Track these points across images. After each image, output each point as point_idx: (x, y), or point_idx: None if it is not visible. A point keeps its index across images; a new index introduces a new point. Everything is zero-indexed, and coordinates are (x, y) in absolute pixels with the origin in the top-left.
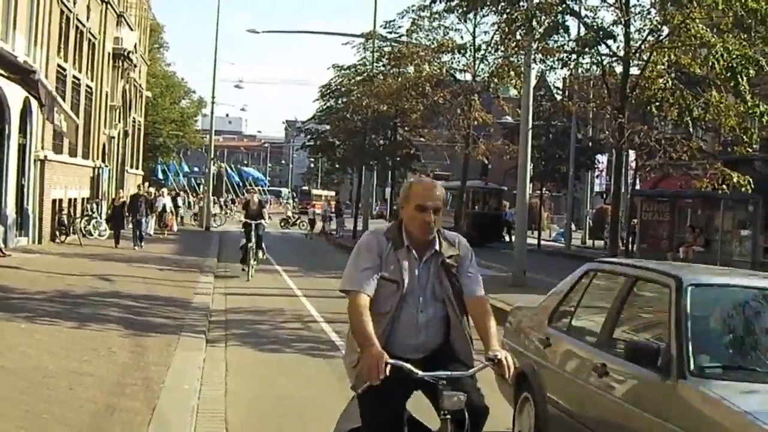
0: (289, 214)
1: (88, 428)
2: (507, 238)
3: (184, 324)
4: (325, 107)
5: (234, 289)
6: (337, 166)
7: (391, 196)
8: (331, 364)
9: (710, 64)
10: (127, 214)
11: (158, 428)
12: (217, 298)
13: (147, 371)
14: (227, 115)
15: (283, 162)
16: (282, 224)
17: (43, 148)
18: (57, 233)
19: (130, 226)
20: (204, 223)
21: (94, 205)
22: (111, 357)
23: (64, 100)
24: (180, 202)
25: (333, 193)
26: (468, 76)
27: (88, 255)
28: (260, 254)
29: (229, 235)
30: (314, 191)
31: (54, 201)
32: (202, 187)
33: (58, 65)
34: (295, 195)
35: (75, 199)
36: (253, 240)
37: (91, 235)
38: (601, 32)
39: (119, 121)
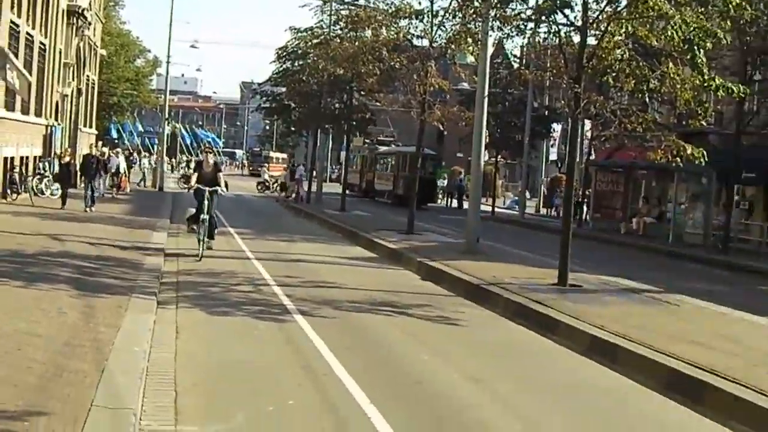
0: (266, 177)
1: (35, 389)
2: (458, 204)
3: (135, 285)
4: (281, 70)
5: (186, 251)
6: (292, 128)
7: (346, 159)
8: (282, 327)
9: (668, 36)
10: (78, 174)
11: (106, 390)
12: (168, 259)
13: (96, 332)
14: (182, 75)
15: (238, 124)
16: (259, 188)
17: None
18: (8, 191)
19: (82, 185)
20: (157, 183)
21: (46, 164)
22: (60, 318)
23: (16, 57)
24: (135, 162)
25: (284, 156)
26: (425, 42)
27: (39, 214)
28: (211, 235)
29: (183, 196)
30: (271, 153)
31: (5, 159)
32: (156, 147)
33: (11, 21)
34: (248, 157)
35: (27, 158)
36: (205, 211)
37: (43, 193)
38: (558, 1)
39: (73, 79)
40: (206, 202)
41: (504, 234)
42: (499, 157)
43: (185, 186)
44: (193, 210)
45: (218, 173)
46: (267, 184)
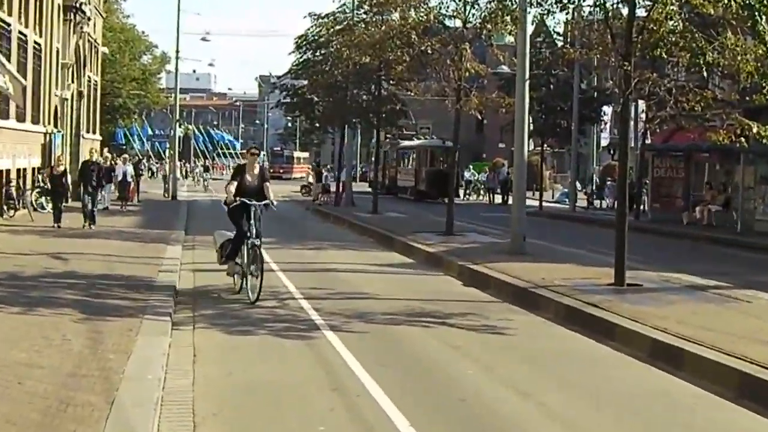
0: (310, 180)
1: (37, 427)
2: (502, 200)
3: (147, 306)
4: (301, 61)
5: (203, 265)
6: (316, 124)
7: (377, 156)
8: (310, 345)
9: (725, 2)
10: (78, 184)
11: (117, 424)
12: (184, 275)
13: (105, 360)
14: (194, 71)
15: (257, 122)
16: (303, 192)
17: None
18: (5, 208)
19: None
20: (170, 191)
21: (45, 176)
22: (64, 345)
23: (9, 59)
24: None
25: (305, 155)
26: (458, 23)
27: (39, 231)
28: (261, 270)
29: (198, 204)
30: (295, 153)
31: (0, 172)
32: (167, 152)
33: (1, 20)
34: (269, 158)
35: (24, 170)
36: (252, 232)
37: (44, 209)
38: None
39: (72, 81)
40: (252, 219)
41: (553, 230)
42: (545, 145)
43: (227, 204)
44: (229, 235)
45: (265, 182)
46: (310, 187)
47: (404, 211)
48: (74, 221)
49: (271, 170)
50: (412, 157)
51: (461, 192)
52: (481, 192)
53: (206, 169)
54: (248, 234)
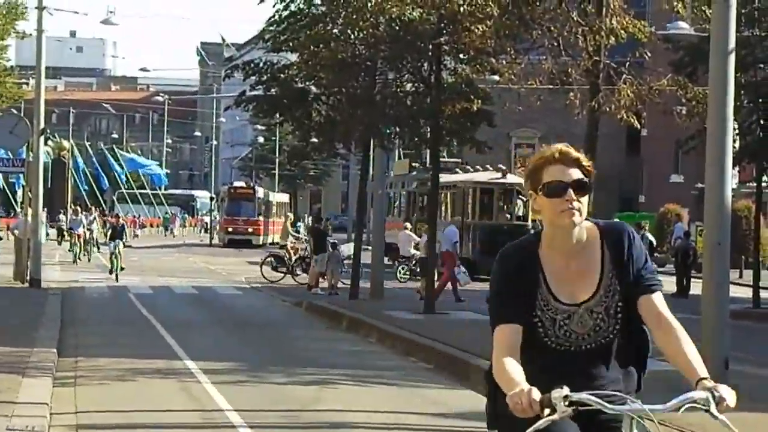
0: (290, 241)
1: None
2: (679, 284)
3: None
4: (283, 16)
5: (92, 416)
6: (313, 139)
7: (433, 196)
8: None
9: None
10: None
11: None
12: None
13: None
14: (73, 35)
15: (196, 134)
16: (269, 265)
17: None
18: None
19: None
20: (27, 271)
21: None
22: None
23: None
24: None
25: (284, 198)
26: None
27: None
28: None
29: (85, 297)
30: (272, 195)
31: None
32: (21, 192)
33: None
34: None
35: None
36: None
37: None
38: None
39: None
40: None
41: None
42: (766, 179)
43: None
44: None
45: None
46: (284, 259)
47: (484, 309)
48: None
49: (229, 225)
50: (449, 201)
51: None
52: None
53: (114, 230)
54: None
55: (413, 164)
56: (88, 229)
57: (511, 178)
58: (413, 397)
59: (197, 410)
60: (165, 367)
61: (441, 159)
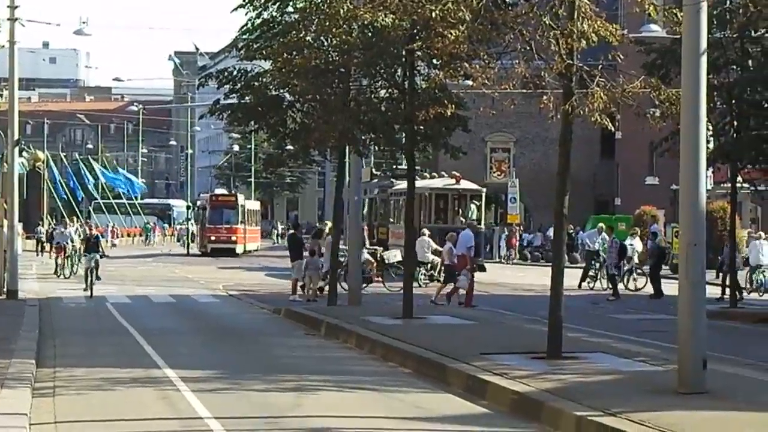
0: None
1: None
2: (654, 288)
3: None
4: (256, 23)
5: (72, 426)
6: (288, 147)
7: (409, 204)
8: None
9: None
10: None
11: None
12: None
13: None
14: (46, 46)
15: (171, 142)
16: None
17: None
18: None
19: None
20: (4, 282)
21: None
22: None
23: None
24: None
25: (256, 206)
26: None
27: None
28: None
29: (63, 308)
30: (248, 203)
31: None
32: None
33: None
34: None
35: None
36: None
37: None
38: None
39: None
40: None
41: (757, 345)
42: (742, 180)
43: None
44: None
45: None
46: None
47: (469, 315)
48: None
49: (211, 235)
50: (392, 203)
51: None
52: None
53: (88, 241)
54: None
55: (374, 172)
56: (70, 241)
57: (464, 184)
58: (392, 401)
59: (177, 418)
60: (144, 376)
61: (396, 168)
